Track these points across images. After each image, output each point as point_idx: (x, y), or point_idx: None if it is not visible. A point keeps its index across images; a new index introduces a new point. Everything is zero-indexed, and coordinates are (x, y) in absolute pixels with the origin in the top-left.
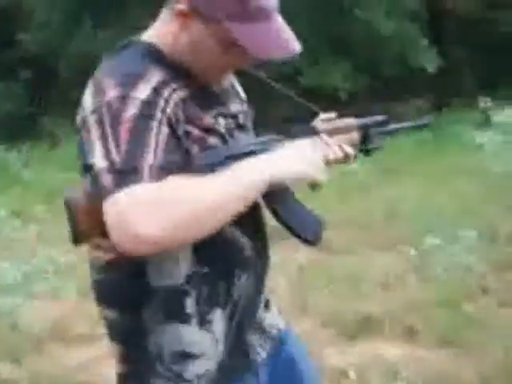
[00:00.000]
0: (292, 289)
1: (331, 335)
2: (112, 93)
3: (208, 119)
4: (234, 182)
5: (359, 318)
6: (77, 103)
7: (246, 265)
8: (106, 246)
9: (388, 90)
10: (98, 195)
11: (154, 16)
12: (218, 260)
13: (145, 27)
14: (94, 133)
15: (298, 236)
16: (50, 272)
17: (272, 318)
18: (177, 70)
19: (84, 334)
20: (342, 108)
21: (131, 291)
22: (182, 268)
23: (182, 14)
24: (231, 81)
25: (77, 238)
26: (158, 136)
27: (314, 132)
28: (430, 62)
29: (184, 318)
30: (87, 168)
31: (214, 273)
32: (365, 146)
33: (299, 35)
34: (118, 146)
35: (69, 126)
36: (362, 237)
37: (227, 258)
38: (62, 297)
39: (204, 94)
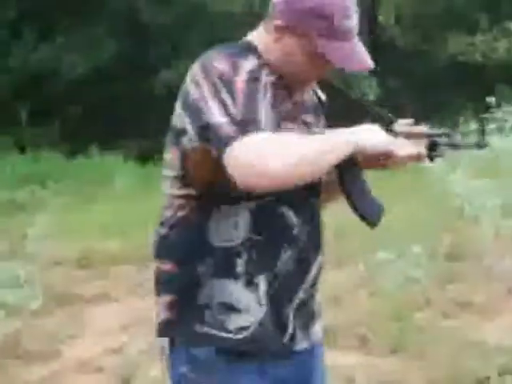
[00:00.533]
0: None
1: None
2: (222, 64)
3: (291, 107)
4: (329, 139)
5: None
6: (14, 120)
7: (293, 242)
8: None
9: (329, 115)
10: (208, 150)
11: (102, 27)
12: (270, 231)
13: (92, 40)
14: (209, 95)
15: (362, 216)
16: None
17: (317, 328)
18: (268, 67)
19: (41, 350)
20: None
21: (192, 247)
22: (240, 232)
23: (278, 29)
24: (316, 97)
25: (189, 182)
26: (265, 96)
27: (393, 132)
28: (370, 90)
29: (233, 276)
30: (203, 128)
31: (264, 242)
32: (430, 153)
33: None
34: (234, 102)
35: None
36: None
37: (278, 232)
38: (17, 313)
39: (287, 92)
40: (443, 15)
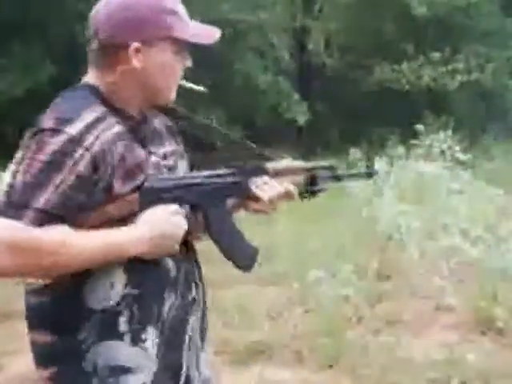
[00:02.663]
0: None
1: (224, 362)
2: (48, 124)
3: (141, 155)
4: (97, 249)
5: (250, 346)
6: None
7: (173, 285)
8: None
9: (260, 140)
10: None
11: (40, 49)
12: (147, 282)
13: (29, 61)
14: (19, 153)
15: (233, 262)
16: None
17: (205, 359)
18: (114, 109)
19: None
20: None
21: (68, 314)
22: (116, 290)
23: (133, 52)
24: (167, 123)
25: None
26: (65, 176)
27: (263, 171)
28: (300, 115)
29: (117, 336)
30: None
31: (144, 294)
32: (310, 188)
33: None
34: (26, 172)
35: None
36: (247, 273)
37: (156, 280)
38: None
39: (138, 133)
40: (372, 43)
